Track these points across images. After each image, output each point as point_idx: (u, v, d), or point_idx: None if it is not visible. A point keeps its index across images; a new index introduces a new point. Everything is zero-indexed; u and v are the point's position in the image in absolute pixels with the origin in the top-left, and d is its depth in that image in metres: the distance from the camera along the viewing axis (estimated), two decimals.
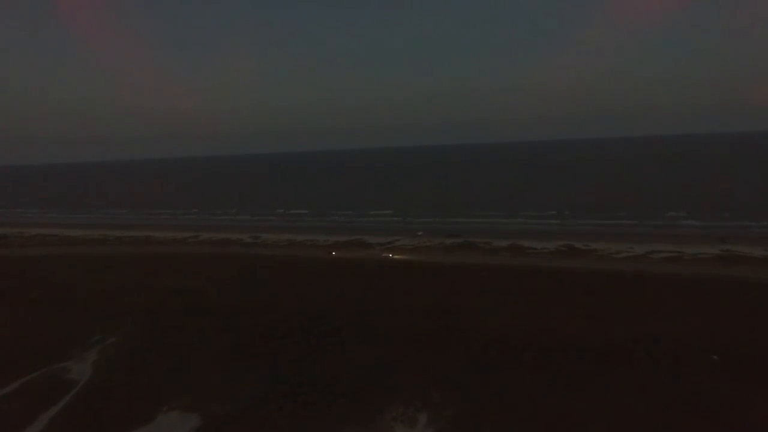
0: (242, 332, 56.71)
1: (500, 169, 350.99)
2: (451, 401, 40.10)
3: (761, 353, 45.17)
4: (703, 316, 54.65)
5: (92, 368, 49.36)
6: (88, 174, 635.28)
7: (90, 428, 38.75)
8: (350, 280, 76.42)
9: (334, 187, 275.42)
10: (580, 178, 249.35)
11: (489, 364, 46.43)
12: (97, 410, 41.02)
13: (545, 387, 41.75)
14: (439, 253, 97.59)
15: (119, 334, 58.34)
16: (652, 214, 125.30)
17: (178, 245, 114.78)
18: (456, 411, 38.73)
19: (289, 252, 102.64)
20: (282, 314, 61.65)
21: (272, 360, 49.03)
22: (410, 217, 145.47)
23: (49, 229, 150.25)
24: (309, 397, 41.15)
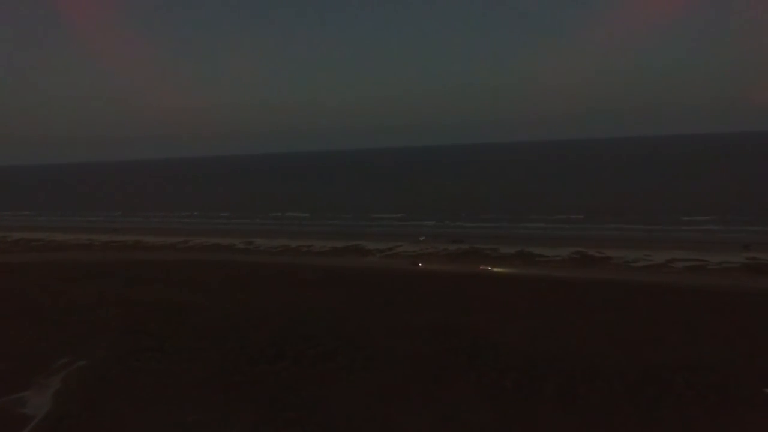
0: (226, 355, 50.64)
1: (504, 170, 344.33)
2: None
3: None
4: (747, 339, 48.51)
5: (52, 400, 43.27)
6: (85, 175, 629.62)
7: None
8: (347, 292, 70.35)
9: (334, 188, 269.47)
10: (587, 179, 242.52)
11: (506, 397, 40.36)
12: None
13: (573, 426, 35.73)
14: (443, 261, 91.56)
15: (90, 356, 52.27)
16: (667, 218, 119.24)
17: (166, 251, 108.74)
18: None
19: (283, 259, 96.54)
20: (271, 333, 55.58)
21: (257, 391, 42.94)
22: (411, 221, 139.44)
23: (36, 233, 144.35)
24: None
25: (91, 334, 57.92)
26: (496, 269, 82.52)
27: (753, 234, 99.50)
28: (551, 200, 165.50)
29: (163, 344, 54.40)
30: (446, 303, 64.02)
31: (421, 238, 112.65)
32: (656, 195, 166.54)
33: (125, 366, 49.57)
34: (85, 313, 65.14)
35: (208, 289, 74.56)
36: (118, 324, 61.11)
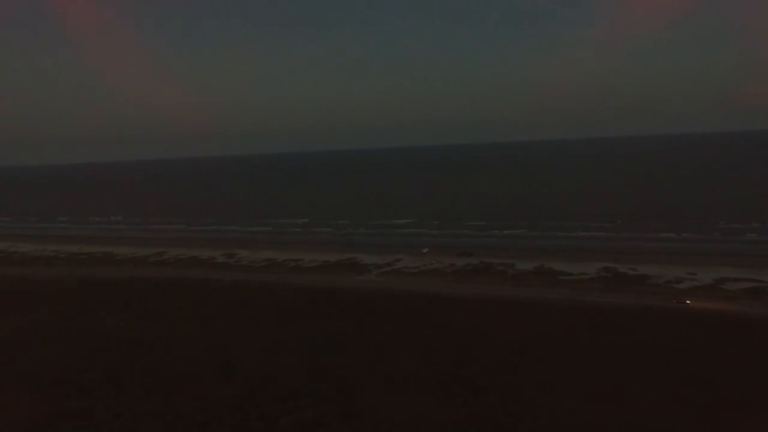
0: (173, 424, 38.06)
1: (512, 172, 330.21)
2: None
3: None
4: None
5: None
6: (79, 177, 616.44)
7: None
8: (335, 325, 57.80)
9: (332, 191, 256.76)
10: (603, 181, 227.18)
11: None
12: None
13: None
14: (451, 279, 79.09)
15: None
16: (700, 226, 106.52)
17: (135, 266, 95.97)
18: None
19: (266, 278, 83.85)
20: (237, 388, 42.95)
21: None
22: (413, 229, 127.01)
23: (1, 243, 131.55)
24: None
25: (5, 390, 45.25)
26: (517, 294, 69.79)
27: None
28: (568, 205, 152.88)
29: (95, 405, 41.71)
30: (458, 341, 51.51)
31: (425, 250, 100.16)
32: (681, 198, 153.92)
33: None
34: (9, 356, 52.46)
35: (170, 320, 61.96)
36: (46, 372, 48.41)
